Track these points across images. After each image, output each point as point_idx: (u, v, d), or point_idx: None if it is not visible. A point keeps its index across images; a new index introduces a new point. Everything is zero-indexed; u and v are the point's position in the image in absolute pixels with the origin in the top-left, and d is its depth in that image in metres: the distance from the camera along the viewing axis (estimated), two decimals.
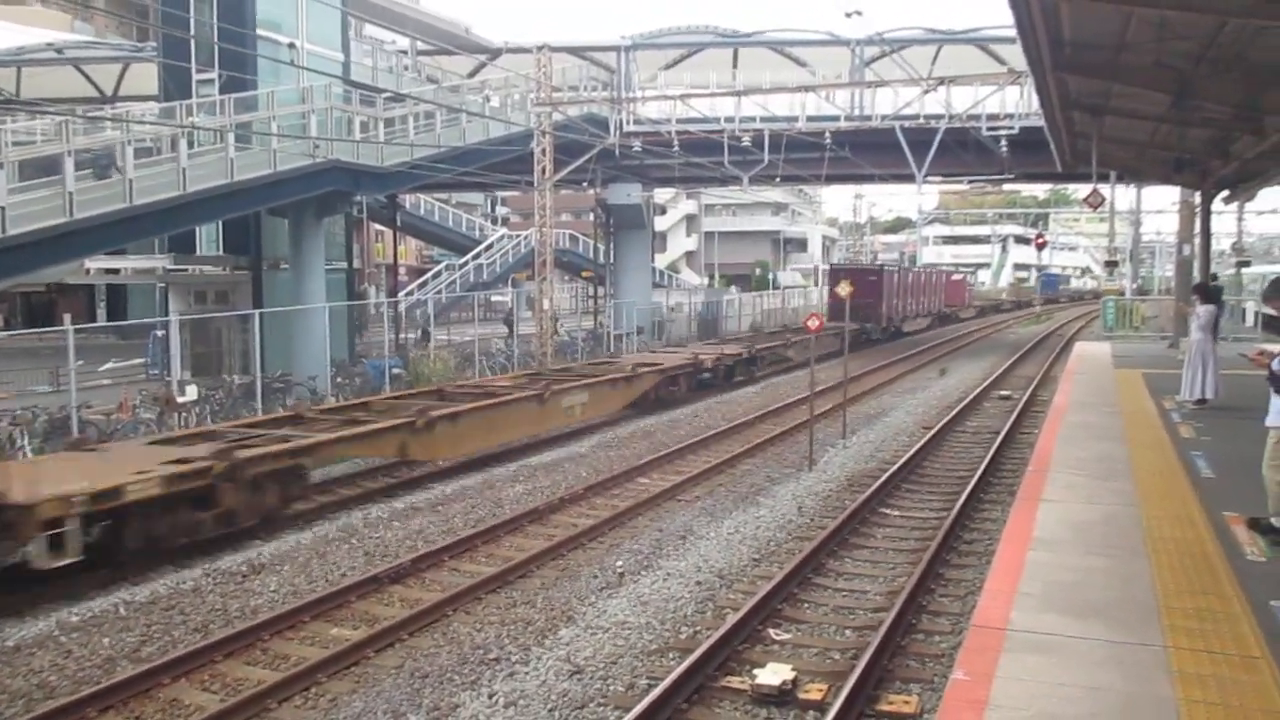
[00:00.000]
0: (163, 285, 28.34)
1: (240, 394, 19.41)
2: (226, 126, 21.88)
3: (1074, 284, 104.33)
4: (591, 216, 48.47)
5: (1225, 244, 52.72)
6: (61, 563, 9.57)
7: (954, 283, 59.27)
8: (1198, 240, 27.38)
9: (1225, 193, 27.32)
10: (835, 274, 41.48)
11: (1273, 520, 7.67)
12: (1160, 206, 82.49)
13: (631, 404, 21.38)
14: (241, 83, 23.59)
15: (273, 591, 10.25)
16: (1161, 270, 79.77)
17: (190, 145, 21.23)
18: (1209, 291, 15.91)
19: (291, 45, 26.11)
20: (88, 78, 38.02)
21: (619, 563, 11.05)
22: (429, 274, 55.40)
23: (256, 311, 21.36)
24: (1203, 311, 14.72)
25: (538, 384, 18.56)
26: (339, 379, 22.56)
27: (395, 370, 23.72)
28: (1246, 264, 44.70)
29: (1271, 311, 8.30)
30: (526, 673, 8.03)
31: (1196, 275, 26.12)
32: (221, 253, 27.85)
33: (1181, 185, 27.95)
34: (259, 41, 24.79)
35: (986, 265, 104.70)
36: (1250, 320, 30.97)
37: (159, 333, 22.96)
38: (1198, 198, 26.74)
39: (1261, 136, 16.38)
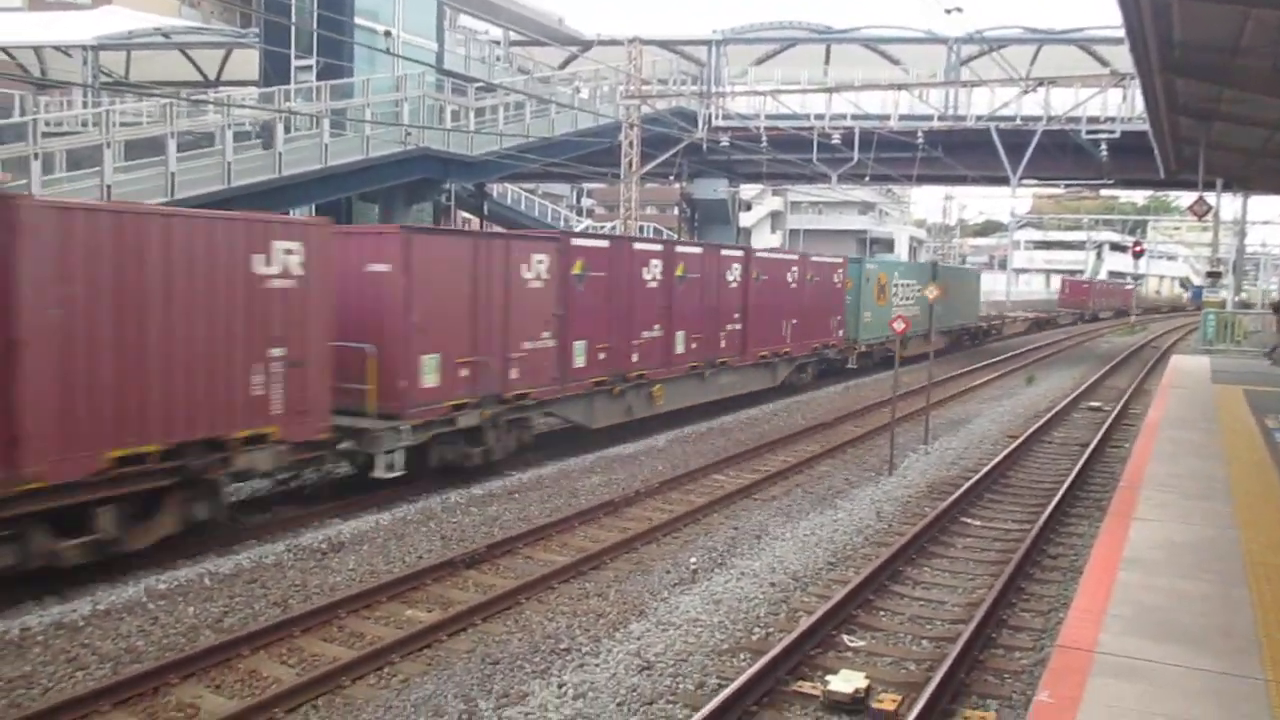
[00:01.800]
0: None
1: None
2: (323, 112, 22.35)
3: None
4: (676, 211, 48.41)
5: None
6: None
7: (1126, 291, 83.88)
8: None
9: None
10: (1065, 283, 76.20)
11: None
12: (1267, 216, 79.66)
13: None
14: (338, 70, 24.07)
15: (351, 570, 10.42)
16: (1266, 283, 76.69)
17: (287, 130, 21.73)
18: None
19: (388, 33, 26.55)
20: (192, 62, 39.25)
21: (693, 559, 10.99)
22: None
23: None
24: None
25: None
26: None
27: None
28: None
29: None
30: (596, 665, 8.02)
31: None
32: None
33: None
34: (356, 30, 25.26)
35: (1080, 271, 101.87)
36: None
37: None
38: None
39: None
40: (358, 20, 25.69)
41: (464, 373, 13.44)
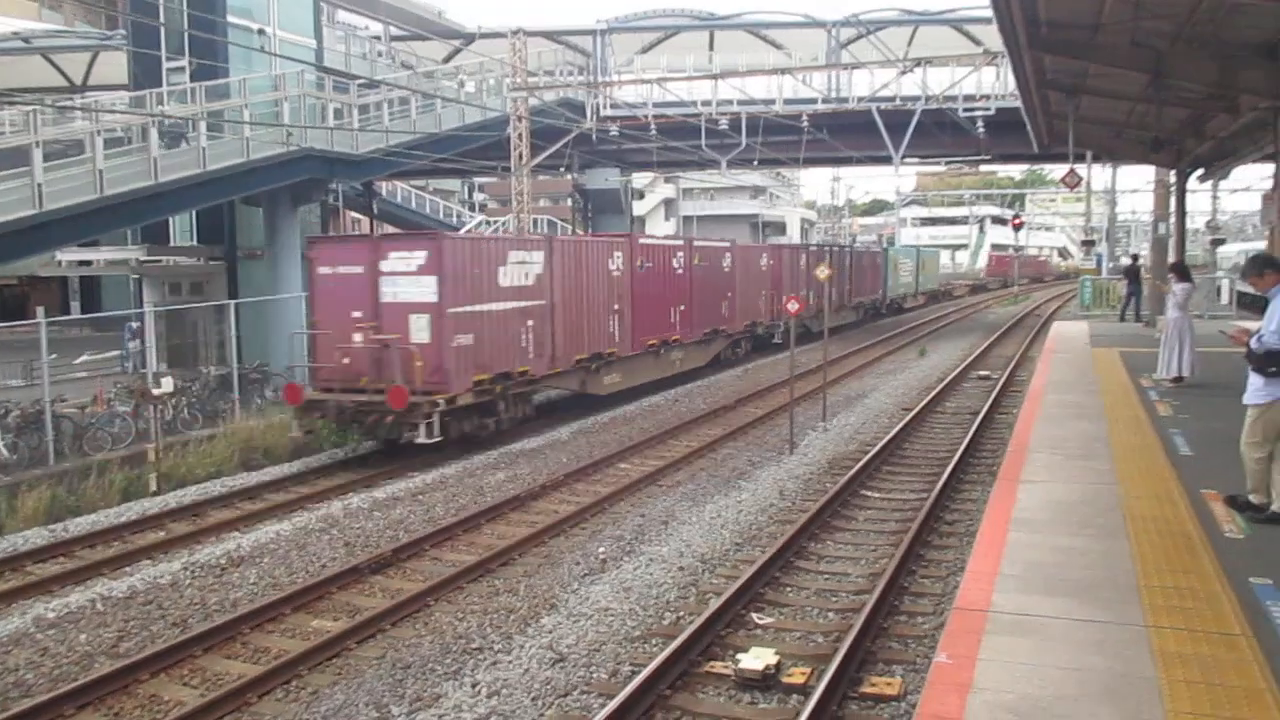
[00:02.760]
0: (136, 276, 28.05)
1: (216, 385, 19.26)
2: (198, 115, 21.61)
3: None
4: (569, 202, 48.24)
5: (1200, 222, 53.09)
6: None
7: (1040, 261, 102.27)
8: (1173, 219, 27.55)
9: (1200, 171, 27.47)
10: (991, 257, 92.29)
11: (1250, 497, 7.70)
12: (1135, 186, 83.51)
13: None
14: (213, 70, 23.30)
15: (252, 584, 10.17)
16: (1137, 249, 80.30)
17: (162, 135, 20.97)
18: (1185, 270, 15.99)
19: (261, 31, 25.83)
20: (56, 67, 37.41)
21: (601, 549, 11.03)
22: None
23: (232, 302, 21.25)
24: (1179, 290, 14.79)
25: None
26: None
27: None
28: (1221, 242, 45.12)
29: (1250, 289, 8.30)
30: (509, 661, 8.00)
31: (1172, 254, 26.29)
32: (196, 243, 27.56)
33: (1157, 164, 28.09)
34: (230, 28, 24.48)
35: (964, 246, 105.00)
36: (1225, 298, 31.21)
37: (134, 325, 22.75)
38: (1173, 176, 26.89)
39: (1235, 115, 16.46)
40: (231, 19, 24.88)
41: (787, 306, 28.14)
